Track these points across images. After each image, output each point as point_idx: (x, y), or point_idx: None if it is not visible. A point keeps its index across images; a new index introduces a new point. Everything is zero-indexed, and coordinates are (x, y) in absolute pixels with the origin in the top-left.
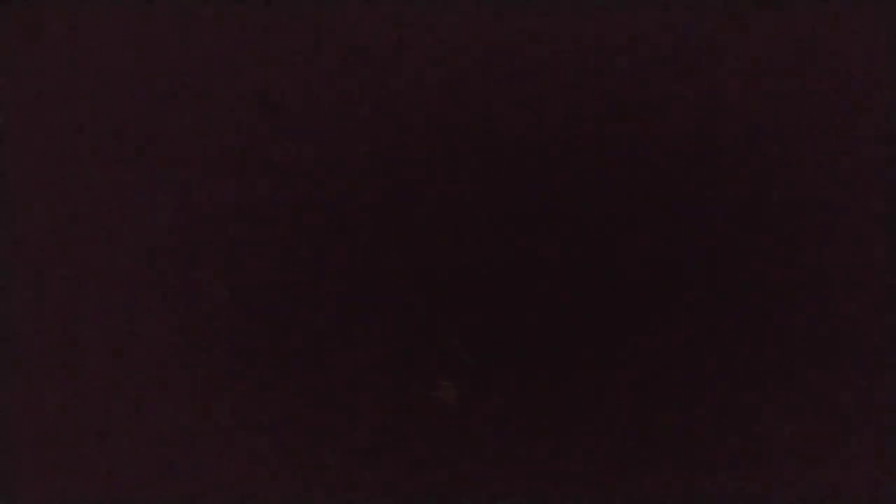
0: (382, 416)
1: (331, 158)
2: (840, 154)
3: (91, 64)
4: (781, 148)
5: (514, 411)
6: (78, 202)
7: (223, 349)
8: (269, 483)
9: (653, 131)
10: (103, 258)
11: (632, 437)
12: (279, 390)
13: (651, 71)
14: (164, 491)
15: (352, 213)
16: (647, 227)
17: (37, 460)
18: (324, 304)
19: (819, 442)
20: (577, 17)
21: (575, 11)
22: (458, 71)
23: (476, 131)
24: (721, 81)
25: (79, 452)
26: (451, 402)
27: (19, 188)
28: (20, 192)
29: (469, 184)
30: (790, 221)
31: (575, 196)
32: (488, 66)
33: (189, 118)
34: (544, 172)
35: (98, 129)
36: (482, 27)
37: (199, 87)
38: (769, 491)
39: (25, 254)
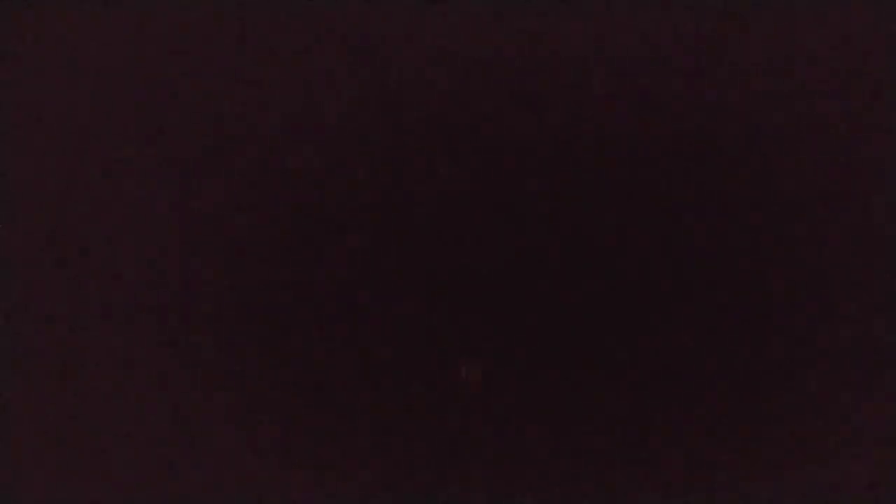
0: (382, 415)
1: (331, 158)
2: (840, 154)
3: (91, 64)
4: (781, 148)
5: (514, 411)
6: (78, 202)
7: (223, 349)
8: (269, 483)
9: (652, 131)
10: (103, 258)
11: (631, 437)
12: (279, 390)
13: (651, 71)
14: (164, 491)
15: (352, 213)
16: (647, 227)
17: (37, 460)
18: (324, 303)
19: (819, 442)
20: (577, 17)
21: (575, 11)
22: (458, 71)
23: (476, 131)
24: (721, 81)
25: (79, 452)
26: (473, 384)
27: (19, 188)
28: (20, 192)
29: (469, 183)
30: (790, 221)
31: (574, 196)
32: (488, 66)
33: (189, 118)
34: (544, 172)
35: (98, 129)
36: (482, 27)
37: (199, 88)
38: (769, 491)
39: (25, 254)
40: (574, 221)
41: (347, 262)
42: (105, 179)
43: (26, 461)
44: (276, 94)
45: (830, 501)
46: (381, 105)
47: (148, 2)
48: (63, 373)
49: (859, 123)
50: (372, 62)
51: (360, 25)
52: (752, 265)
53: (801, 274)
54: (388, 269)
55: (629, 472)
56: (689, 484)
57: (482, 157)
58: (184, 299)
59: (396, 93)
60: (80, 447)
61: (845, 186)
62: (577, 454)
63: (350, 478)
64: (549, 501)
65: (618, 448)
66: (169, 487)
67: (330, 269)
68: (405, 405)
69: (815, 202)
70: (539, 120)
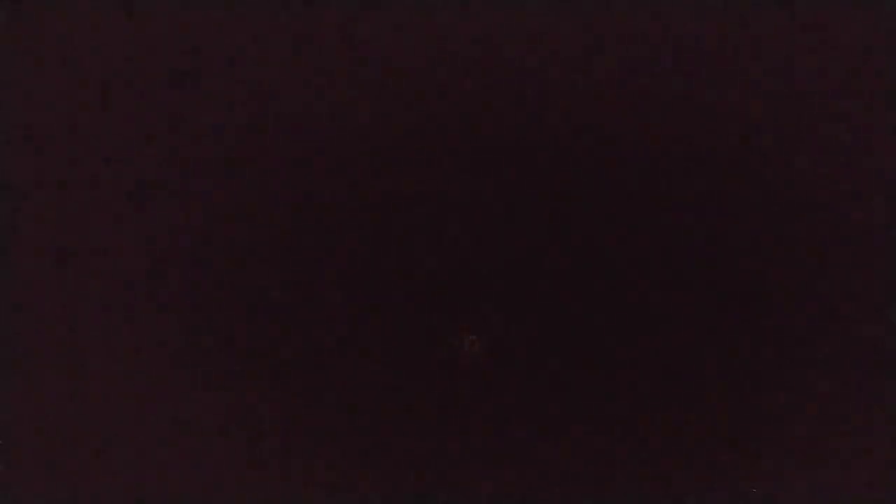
0: (382, 415)
1: (331, 158)
2: (840, 154)
3: (91, 64)
4: (781, 148)
5: (514, 412)
6: (78, 202)
7: (223, 349)
8: (269, 483)
9: (652, 131)
10: (103, 258)
11: (631, 436)
12: (279, 390)
13: (650, 71)
14: (164, 491)
15: (351, 212)
16: (646, 227)
17: (37, 460)
18: (324, 303)
19: (819, 442)
20: (577, 17)
21: (575, 11)
22: (458, 71)
23: (476, 131)
24: (721, 81)
25: (79, 452)
26: (474, 354)
27: (19, 188)
28: (20, 192)
29: (470, 183)
30: (790, 221)
31: (574, 196)
32: (488, 66)
33: (189, 118)
34: (544, 172)
35: (98, 130)
36: (482, 26)
37: (199, 88)
38: (769, 491)
39: (25, 254)
40: (572, 221)
41: (347, 262)
42: (105, 179)
43: (26, 461)
44: (276, 94)
45: (830, 501)
46: (381, 105)
47: (148, 2)
48: (63, 373)
49: (859, 123)
50: (372, 62)
51: (360, 25)
52: (751, 265)
53: (801, 274)
54: (387, 271)
55: (628, 472)
56: (688, 484)
57: (483, 157)
58: (184, 299)
59: (396, 92)
60: (80, 447)
61: (845, 186)
62: (577, 455)
63: (350, 478)
64: (549, 502)
65: (617, 448)
66: (169, 487)
67: (329, 269)
68: (405, 406)
69: (815, 202)
70: (539, 120)
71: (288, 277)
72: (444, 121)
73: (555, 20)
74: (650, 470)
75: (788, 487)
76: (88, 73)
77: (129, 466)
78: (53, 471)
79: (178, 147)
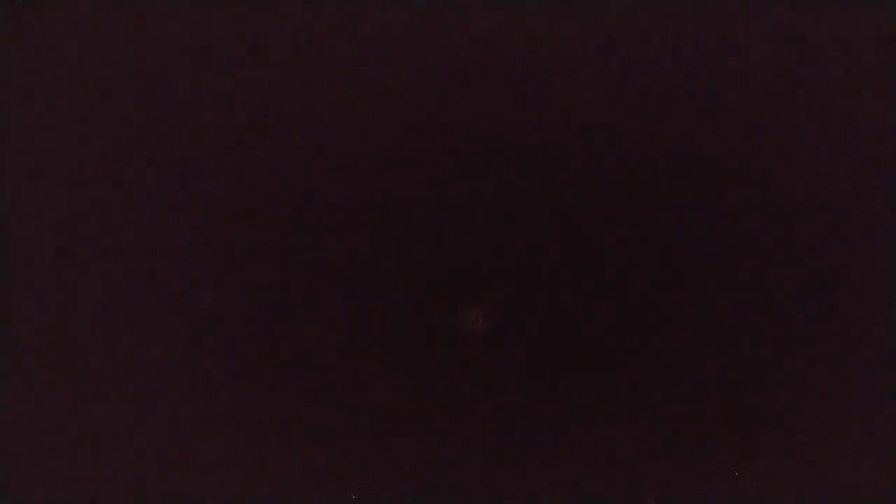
0: (382, 415)
1: (331, 158)
2: (840, 154)
3: (91, 64)
4: (781, 148)
5: (515, 412)
6: (78, 202)
7: (223, 349)
8: (269, 483)
9: (652, 131)
10: (103, 258)
11: (631, 436)
12: (279, 390)
13: (650, 71)
14: (164, 491)
15: (351, 212)
16: (646, 227)
17: (37, 460)
18: (323, 303)
19: (819, 442)
20: (578, 17)
21: (575, 12)
22: (458, 71)
23: (476, 131)
24: (721, 81)
25: (79, 452)
26: (479, 329)
27: (19, 188)
28: (20, 192)
29: (470, 183)
30: (790, 221)
31: (574, 196)
32: (487, 65)
33: (189, 119)
34: (544, 172)
35: (98, 130)
36: (482, 27)
37: (199, 88)
38: (769, 491)
39: (25, 254)
40: (571, 222)
41: (347, 262)
42: (105, 179)
43: (26, 461)
44: (276, 94)
45: (830, 501)
46: (381, 105)
47: (148, 2)
48: (63, 373)
49: (859, 123)
50: (372, 62)
51: (360, 25)
52: (752, 265)
53: (800, 274)
54: (387, 271)
55: (628, 472)
56: (687, 484)
57: (482, 158)
58: (184, 299)
59: (396, 93)
60: (80, 447)
61: (845, 186)
62: (577, 455)
63: (350, 478)
64: (550, 502)
65: (617, 448)
66: (169, 487)
67: (329, 269)
68: (406, 405)
69: (815, 202)
70: (538, 121)
71: (292, 263)
72: (445, 113)
73: (555, 20)
74: (650, 471)
75: (788, 487)
76: (88, 73)
77: (129, 466)
78: (53, 471)
79: (178, 147)
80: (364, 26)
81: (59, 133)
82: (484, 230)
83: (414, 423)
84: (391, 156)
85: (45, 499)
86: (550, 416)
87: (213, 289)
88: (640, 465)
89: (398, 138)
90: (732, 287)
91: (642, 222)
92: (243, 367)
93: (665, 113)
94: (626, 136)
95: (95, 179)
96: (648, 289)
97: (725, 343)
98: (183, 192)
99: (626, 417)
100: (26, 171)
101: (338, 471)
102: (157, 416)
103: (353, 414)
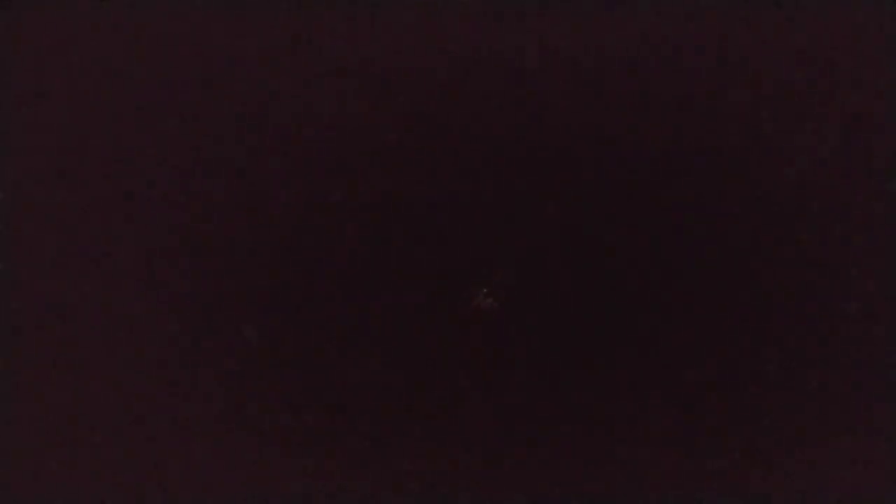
0: (382, 415)
1: (331, 159)
2: (840, 154)
3: (91, 64)
4: (782, 148)
5: (514, 412)
6: (78, 202)
7: (224, 348)
8: (269, 483)
9: (652, 132)
10: (103, 258)
11: (631, 436)
12: (279, 390)
13: (650, 71)
14: (164, 491)
15: (351, 213)
16: (647, 227)
17: (37, 460)
18: (323, 304)
19: (818, 441)
20: (577, 17)
21: (574, 12)
22: (458, 71)
23: (476, 131)
24: (721, 81)
25: (79, 452)
26: (487, 309)
27: (19, 188)
28: (20, 192)
29: (470, 184)
30: (791, 221)
31: (574, 196)
32: (488, 65)
33: (189, 119)
34: (544, 173)
35: (98, 130)
36: (481, 27)
37: (199, 88)
38: (770, 491)
39: (25, 254)
40: (571, 222)
41: (347, 262)
42: (105, 179)
43: (26, 461)
44: (277, 94)
45: (830, 501)
46: (381, 106)
47: (149, 2)
48: (63, 373)
49: (859, 123)
50: (372, 64)
51: (360, 25)
52: (752, 265)
53: (800, 274)
54: (386, 271)
55: (628, 472)
56: (687, 484)
57: (483, 158)
58: (184, 299)
59: (396, 94)
60: (80, 447)
61: (845, 186)
62: (576, 455)
63: (350, 478)
64: (549, 502)
65: (617, 448)
66: (169, 487)
67: (329, 269)
68: (405, 406)
69: (815, 202)
70: (538, 121)
71: (286, 279)
72: (457, 108)
73: (555, 20)
74: (650, 468)
75: (788, 487)
76: (88, 74)
77: (129, 466)
78: (53, 471)
79: (178, 147)
80: (364, 26)
81: (59, 133)
82: (492, 220)
83: (414, 423)
84: (393, 155)
85: (45, 499)
86: (550, 416)
87: (221, 293)
88: (640, 465)
89: (404, 134)
90: (732, 287)
91: (642, 222)
92: (243, 367)
93: (665, 113)
94: (631, 132)
95: (95, 179)
96: (648, 289)
97: (725, 343)
98: (182, 191)
99: (626, 417)
100: (27, 170)
101: (338, 471)
102: (157, 416)
103: (353, 414)
